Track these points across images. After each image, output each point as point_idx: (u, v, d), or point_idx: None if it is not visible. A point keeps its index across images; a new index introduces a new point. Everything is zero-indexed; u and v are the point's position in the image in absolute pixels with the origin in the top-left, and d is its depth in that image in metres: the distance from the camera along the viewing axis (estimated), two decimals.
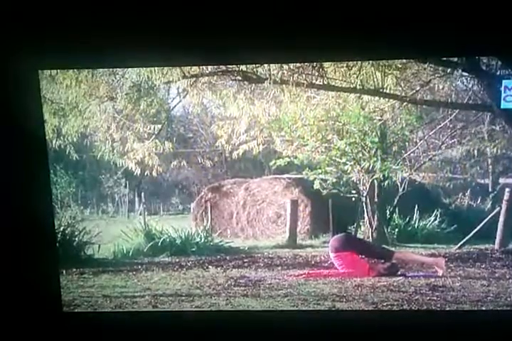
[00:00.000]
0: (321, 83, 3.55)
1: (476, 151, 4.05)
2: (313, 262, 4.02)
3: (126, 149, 3.87)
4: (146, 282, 3.58)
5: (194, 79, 3.50)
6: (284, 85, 3.49)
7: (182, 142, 4.18)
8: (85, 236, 3.98)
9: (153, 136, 3.85)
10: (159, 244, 4.22)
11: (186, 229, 4.40)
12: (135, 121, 3.78)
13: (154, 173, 3.97)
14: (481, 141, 4.00)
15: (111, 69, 3.49)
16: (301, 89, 3.56)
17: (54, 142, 3.78)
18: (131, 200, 4.58)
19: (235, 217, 4.78)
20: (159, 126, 3.83)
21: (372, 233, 4.30)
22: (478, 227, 4.07)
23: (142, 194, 4.51)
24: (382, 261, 3.80)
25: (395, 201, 4.37)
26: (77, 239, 3.97)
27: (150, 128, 3.83)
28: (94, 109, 3.66)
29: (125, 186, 4.43)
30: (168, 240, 4.25)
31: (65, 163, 4.08)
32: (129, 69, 3.47)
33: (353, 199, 4.28)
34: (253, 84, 3.59)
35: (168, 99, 3.81)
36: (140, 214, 4.54)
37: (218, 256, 4.20)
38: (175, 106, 3.84)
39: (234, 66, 3.40)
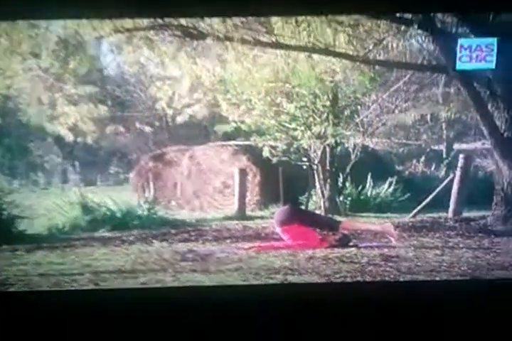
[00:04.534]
0: (269, 40, 3.41)
1: (430, 115, 4.06)
2: (263, 234, 3.93)
3: (56, 113, 3.68)
4: (86, 258, 3.40)
5: (128, 34, 3.29)
6: (228, 42, 3.34)
7: (118, 105, 4.00)
8: (15, 210, 3.78)
9: (86, 99, 3.67)
10: (98, 217, 4.06)
11: (127, 201, 4.25)
12: (64, 81, 3.57)
13: (89, 140, 3.85)
14: (435, 105, 4.00)
15: (32, 22, 3.21)
16: (247, 46, 3.42)
17: None
18: (64, 170, 4.40)
19: (180, 187, 4.68)
20: (91, 87, 3.66)
21: (324, 202, 4.24)
22: (431, 195, 4.07)
23: (76, 163, 4.34)
24: (332, 232, 3.70)
25: (348, 169, 4.31)
26: (5, 212, 3.77)
27: (81, 90, 3.64)
28: (16, 67, 3.40)
29: (57, 154, 4.24)
30: (107, 213, 4.09)
31: None
32: (54, 21, 3.21)
33: (304, 167, 4.19)
34: (195, 41, 3.40)
35: (100, 57, 3.63)
36: (75, 186, 4.37)
37: (163, 230, 4.06)
38: (108, 64, 3.70)
39: (172, 20, 3.20)
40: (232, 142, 4.52)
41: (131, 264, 3.28)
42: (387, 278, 2.96)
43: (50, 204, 4.06)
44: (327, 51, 3.49)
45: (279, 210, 3.92)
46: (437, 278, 2.96)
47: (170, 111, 3.81)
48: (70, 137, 3.73)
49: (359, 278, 2.96)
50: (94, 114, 3.66)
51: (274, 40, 3.40)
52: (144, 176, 4.63)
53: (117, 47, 3.38)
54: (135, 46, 3.35)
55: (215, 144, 4.55)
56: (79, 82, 3.55)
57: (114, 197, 4.22)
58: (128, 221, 4.10)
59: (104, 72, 3.65)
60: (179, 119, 3.88)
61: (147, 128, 4.06)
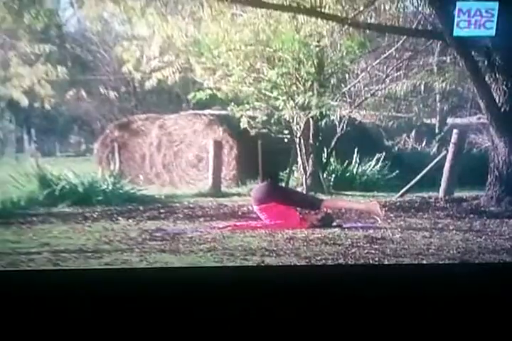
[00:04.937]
0: None
1: (423, 86, 4.01)
2: (239, 212, 3.91)
3: (9, 74, 3.57)
4: (44, 236, 3.35)
5: None
6: None
7: (79, 66, 3.90)
8: None
9: (43, 58, 3.57)
10: (57, 191, 3.98)
11: (90, 174, 4.19)
12: (18, 38, 3.45)
13: (46, 105, 3.73)
14: (429, 75, 3.96)
15: None
16: (225, 4, 3.34)
17: None
18: (20, 138, 4.30)
19: (149, 160, 4.63)
20: (49, 45, 3.54)
21: (306, 179, 4.22)
22: (422, 173, 4.08)
23: (32, 131, 4.26)
24: (315, 210, 3.69)
25: (333, 143, 4.29)
26: None
27: (38, 48, 3.54)
28: None
29: (10, 121, 4.15)
30: (68, 187, 4.02)
31: None
32: None
33: (286, 140, 4.14)
34: None
35: (58, 11, 3.50)
36: (31, 156, 4.28)
37: (130, 206, 4.03)
38: (68, 20, 3.57)
39: None
40: (206, 111, 4.46)
41: (94, 243, 3.25)
42: (371, 261, 2.95)
43: (4, 175, 3.96)
44: (313, 11, 3.41)
45: (256, 187, 3.90)
46: (424, 262, 2.95)
47: (138, 75, 3.74)
48: (25, 101, 3.64)
49: (341, 261, 2.95)
50: (53, 76, 3.56)
51: None
52: (108, 147, 4.57)
53: (78, 1, 3.28)
54: (98, 0, 3.25)
55: (187, 113, 4.48)
56: (35, 40, 3.44)
57: (76, 170, 4.16)
58: (91, 196, 4.04)
59: (63, 29, 3.57)
60: (148, 84, 3.82)
61: (112, 94, 3.98)
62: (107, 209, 3.93)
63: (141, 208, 3.98)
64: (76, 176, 4.10)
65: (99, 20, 3.43)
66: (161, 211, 3.92)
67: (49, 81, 3.57)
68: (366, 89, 4.11)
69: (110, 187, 4.14)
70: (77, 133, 4.34)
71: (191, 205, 4.09)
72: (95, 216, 3.78)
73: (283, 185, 4.19)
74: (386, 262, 2.93)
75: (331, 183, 4.32)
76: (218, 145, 4.35)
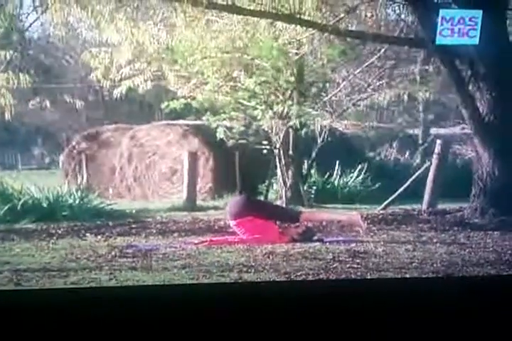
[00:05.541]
0: (225, 3, 3.30)
1: (406, 96, 4.06)
2: (216, 227, 3.87)
3: None
4: (5, 254, 3.27)
5: None
6: (176, 3, 3.21)
7: (43, 74, 3.84)
8: None
9: (3, 66, 3.50)
10: (19, 206, 3.92)
11: (55, 187, 4.12)
12: None
13: (7, 115, 3.67)
14: (412, 84, 4.01)
15: None
16: (199, 9, 3.29)
17: None
18: None
19: (119, 172, 4.59)
20: (11, 51, 3.48)
21: (286, 192, 4.20)
22: (405, 185, 4.09)
23: None
24: (294, 224, 3.64)
25: (313, 154, 4.31)
26: None
27: None
28: None
29: None
30: (30, 202, 3.96)
31: None
32: None
33: (265, 151, 4.14)
34: (136, 0, 3.30)
35: (21, 15, 3.46)
36: None
37: (98, 222, 3.98)
38: (31, 24, 3.53)
39: None
40: (181, 121, 4.44)
41: (59, 261, 3.17)
42: (353, 276, 2.95)
43: None
44: (292, 18, 3.42)
45: (231, 201, 3.86)
46: (408, 276, 2.97)
47: (106, 83, 3.72)
48: None
49: (323, 276, 2.93)
50: (14, 84, 3.52)
51: (231, 2, 3.30)
52: (75, 159, 4.53)
53: (42, 4, 3.27)
54: (63, 3, 3.21)
55: (160, 123, 4.48)
56: None
57: (39, 183, 4.11)
58: (56, 211, 3.99)
59: (25, 34, 3.56)
60: (117, 93, 3.79)
61: (79, 103, 3.95)
62: (73, 225, 3.88)
63: (110, 223, 3.93)
64: (40, 190, 4.06)
65: (65, 26, 3.42)
66: (132, 226, 3.88)
67: (10, 89, 3.54)
68: (348, 98, 4.14)
69: (77, 202, 4.09)
70: (40, 145, 4.30)
71: (164, 220, 4.05)
72: (61, 232, 3.72)
73: (261, 198, 4.19)
74: (369, 276, 2.94)
75: (312, 196, 4.34)
76: (193, 157, 4.34)
